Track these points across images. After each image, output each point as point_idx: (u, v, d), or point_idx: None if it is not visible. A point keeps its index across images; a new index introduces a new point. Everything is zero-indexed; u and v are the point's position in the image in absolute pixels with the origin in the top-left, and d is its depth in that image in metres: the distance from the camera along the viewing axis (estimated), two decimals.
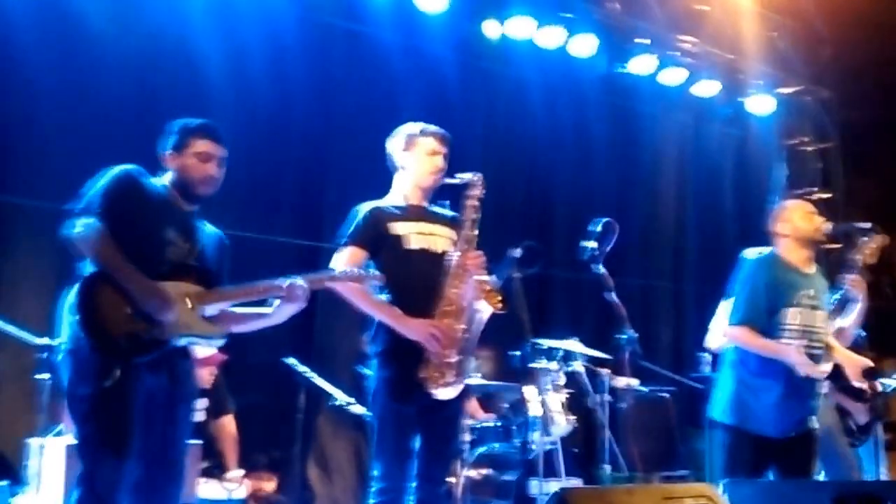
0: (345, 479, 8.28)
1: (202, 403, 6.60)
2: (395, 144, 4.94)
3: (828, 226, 5.40)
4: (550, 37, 9.24)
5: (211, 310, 4.17)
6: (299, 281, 4.23)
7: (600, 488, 5.17)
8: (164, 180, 4.27)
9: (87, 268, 4.00)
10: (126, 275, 3.93)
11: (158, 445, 4.02)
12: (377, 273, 4.50)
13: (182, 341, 4.08)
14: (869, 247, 5.79)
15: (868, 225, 5.65)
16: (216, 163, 4.24)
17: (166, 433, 4.06)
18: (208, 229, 4.40)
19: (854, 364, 5.61)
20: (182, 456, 4.16)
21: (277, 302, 4.31)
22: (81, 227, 3.97)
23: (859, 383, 5.66)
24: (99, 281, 3.93)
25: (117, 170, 4.12)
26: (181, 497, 4.12)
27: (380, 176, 8.02)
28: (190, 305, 4.05)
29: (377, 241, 4.74)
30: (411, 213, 4.83)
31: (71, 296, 3.97)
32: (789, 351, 5.15)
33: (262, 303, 4.39)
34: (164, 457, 4.05)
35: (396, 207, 4.84)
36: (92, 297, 3.90)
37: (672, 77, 10.29)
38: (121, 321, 3.89)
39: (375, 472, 4.60)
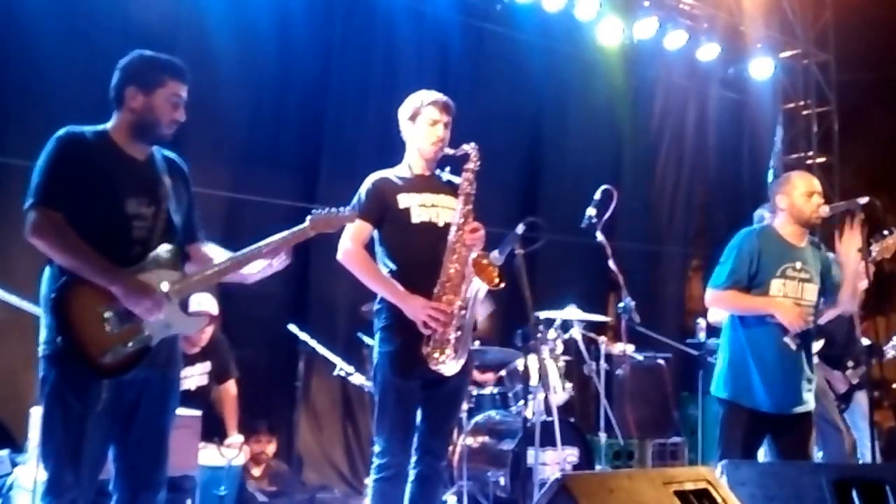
0: (332, 432, 8.42)
1: (204, 367, 6.61)
2: (402, 114, 4.91)
3: (825, 209, 5.32)
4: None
5: (191, 295, 3.99)
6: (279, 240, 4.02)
7: (601, 474, 5.18)
8: (109, 125, 3.90)
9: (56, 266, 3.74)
10: (104, 274, 3.65)
11: (142, 433, 3.83)
12: (351, 212, 4.36)
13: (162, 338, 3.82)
14: (888, 243, 5.77)
15: (865, 199, 5.60)
16: (183, 106, 3.92)
17: (150, 419, 3.85)
18: (165, 161, 4.02)
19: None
20: (166, 438, 3.92)
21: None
22: (32, 224, 3.68)
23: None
24: (71, 288, 3.64)
25: (52, 142, 3.77)
26: (165, 481, 3.93)
27: (376, 139, 8.09)
28: (169, 300, 3.79)
29: (381, 213, 4.74)
30: (416, 184, 4.82)
31: (46, 281, 3.75)
32: (776, 303, 5.13)
33: None
34: (147, 443, 3.85)
35: (401, 178, 4.83)
36: (68, 313, 3.63)
37: (673, 40, 10.26)
38: (102, 337, 3.63)
39: (377, 448, 4.62)
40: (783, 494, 4.16)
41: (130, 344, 3.69)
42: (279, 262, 4.09)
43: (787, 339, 5.17)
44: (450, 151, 4.82)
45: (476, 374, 7.44)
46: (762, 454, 5.43)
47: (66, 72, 6.88)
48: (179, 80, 3.93)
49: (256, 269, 4.08)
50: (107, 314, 3.66)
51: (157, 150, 4.01)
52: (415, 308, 4.57)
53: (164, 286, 3.79)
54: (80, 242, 3.66)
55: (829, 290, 5.41)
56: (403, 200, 4.75)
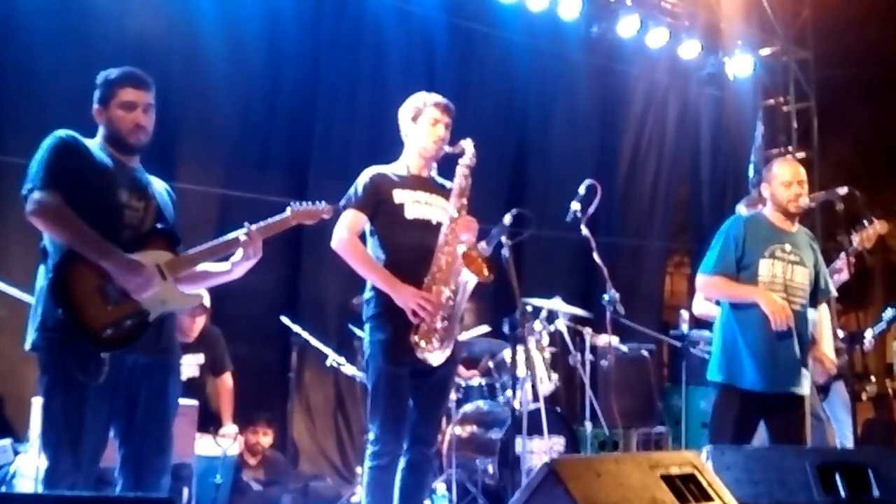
0: (325, 423, 8.52)
1: (196, 359, 6.67)
2: (403, 114, 5.02)
3: (805, 200, 5.39)
4: None
5: (184, 276, 4.10)
6: (253, 230, 4.19)
7: (589, 458, 5.27)
8: (98, 139, 4.07)
9: (53, 247, 3.86)
10: (98, 249, 3.78)
11: (145, 419, 3.93)
12: (328, 206, 4.54)
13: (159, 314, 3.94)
14: (868, 233, 5.89)
15: (845, 189, 5.69)
16: (142, 110, 4.03)
17: (152, 405, 3.95)
18: (157, 183, 4.23)
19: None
20: (169, 424, 4.04)
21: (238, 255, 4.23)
22: (34, 203, 3.81)
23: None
24: (69, 264, 3.78)
25: (51, 138, 3.94)
26: (169, 467, 4.04)
27: (364, 137, 8.19)
28: (164, 277, 3.94)
29: (377, 206, 4.84)
30: (412, 182, 4.92)
31: (41, 277, 3.88)
32: (763, 294, 5.20)
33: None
34: (151, 430, 3.95)
35: (398, 175, 4.93)
36: (67, 288, 3.76)
37: (654, 38, 10.39)
38: (100, 311, 3.76)
39: (371, 435, 4.71)
40: (768, 478, 4.23)
41: (128, 318, 3.81)
42: (252, 256, 4.22)
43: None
44: (448, 149, 4.92)
45: (462, 371, 7.56)
46: (763, 441, 5.49)
47: (63, 74, 6.97)
48: (130, 86, 4.04)
49: (239, 257, 4.22)
50: (104, 289, 3.79)
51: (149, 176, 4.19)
52: (405, 296, 4.66)
53: (158, 262, 3.94)
54: (77, 219, 3.80)
55: (818, 289, 5.51)
56: (399, 196, 4.84)
